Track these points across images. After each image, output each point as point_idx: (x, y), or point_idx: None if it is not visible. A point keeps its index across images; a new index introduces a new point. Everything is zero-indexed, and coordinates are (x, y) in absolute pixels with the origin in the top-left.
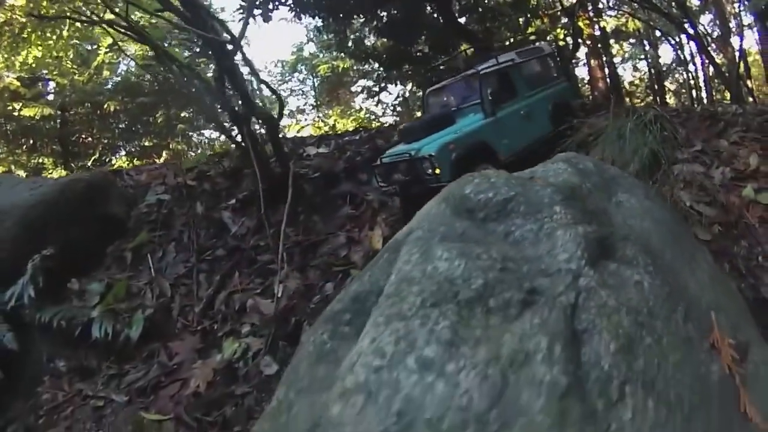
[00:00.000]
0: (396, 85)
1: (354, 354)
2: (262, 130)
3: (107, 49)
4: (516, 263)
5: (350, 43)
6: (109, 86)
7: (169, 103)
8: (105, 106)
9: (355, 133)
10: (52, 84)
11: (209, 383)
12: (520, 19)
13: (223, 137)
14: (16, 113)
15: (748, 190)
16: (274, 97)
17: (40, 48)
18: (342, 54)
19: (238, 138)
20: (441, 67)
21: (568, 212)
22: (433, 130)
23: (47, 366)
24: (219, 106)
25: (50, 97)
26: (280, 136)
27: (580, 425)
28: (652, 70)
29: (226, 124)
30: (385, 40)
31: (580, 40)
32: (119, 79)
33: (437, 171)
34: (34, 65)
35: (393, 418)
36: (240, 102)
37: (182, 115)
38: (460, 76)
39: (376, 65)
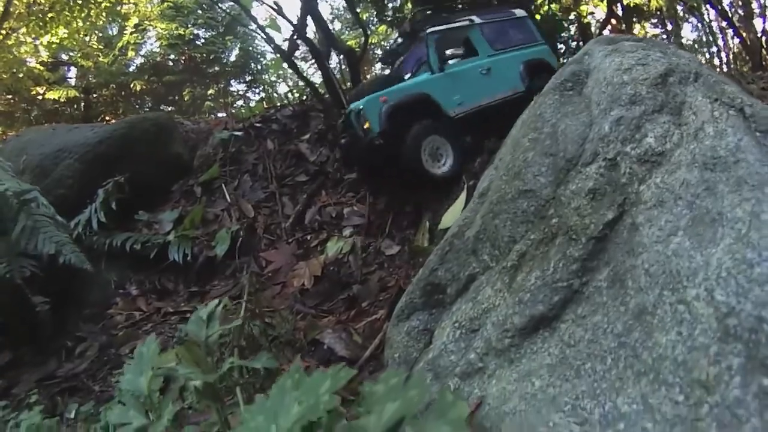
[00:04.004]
0: None
1: None
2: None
3: (133, 29)
4: None
5: None
6: (133, 67)
7: (195, 82)
8: (131, 85)
9: None
10: (73, 70)
11: (316, 278)
12: None
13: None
14: (40, 97)
15: None
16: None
17: (66, 31)
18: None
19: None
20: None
21: None
22: (379, 90)
23: (116, 291)
24: (299, 42)
25: (72, 81)
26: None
27: None
28: None
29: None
30: None
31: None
32: (143, 59)
33: (366, 125)
34: (59, 46)
35: None
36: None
37: (209, 92)
38: (417, 40)
39: None
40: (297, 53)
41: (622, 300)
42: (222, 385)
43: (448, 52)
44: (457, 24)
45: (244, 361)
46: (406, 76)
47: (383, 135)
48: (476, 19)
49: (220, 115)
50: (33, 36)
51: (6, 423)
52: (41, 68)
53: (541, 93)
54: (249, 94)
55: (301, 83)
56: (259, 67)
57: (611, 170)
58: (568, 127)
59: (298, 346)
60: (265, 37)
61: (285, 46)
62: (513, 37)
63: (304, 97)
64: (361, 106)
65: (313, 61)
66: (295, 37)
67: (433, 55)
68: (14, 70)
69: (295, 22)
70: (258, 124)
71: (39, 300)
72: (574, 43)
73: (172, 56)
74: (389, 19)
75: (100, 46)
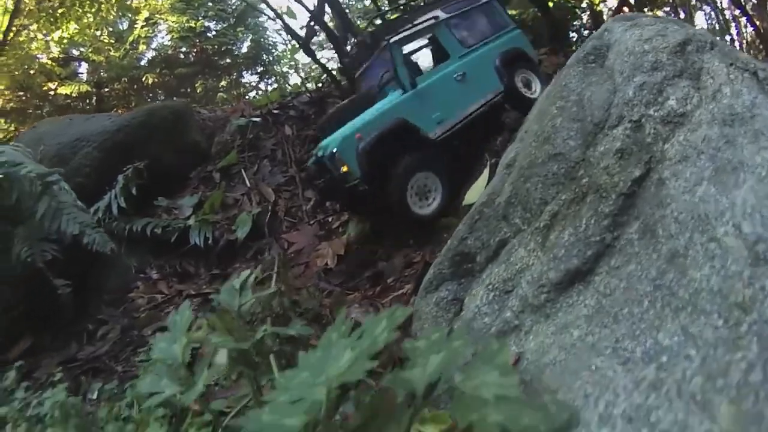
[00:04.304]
0: None
1: None
2: None
3: (143, 23)
4: None
5: None
6: (145, 60)
7: (207, 74)
8: (143, 79)
9: None
10: (84, 65)
11: (339, 257)
12: None
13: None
14: (51, 93)
15: None
16: None
17: (77, 26)
18: None
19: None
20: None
21: None
22: (350, 118)
23: (136, 275)
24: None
25: (83, 77)
26: None
27: None
28: None
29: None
30: None
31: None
32: (154, 52)
33: (345, 168)
34: (69, 41)
35: None
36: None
37: (221, 84)
38: (381, 49)
39: None
40: (312, 40)
41: (654, 248)
42: (255, 354)
43: (402, 60)
44: (421, 25)
45: (278, 328)
46: (374, 93)
47: (366, 178)
48: (441, 14)
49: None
50: (44, 32)
51: (28, 405)
52: (52, 64)
53: (565, 66)
54: (261, 86)
55: (316, 71)
56: (271, 58)
57: (636, 131)
58: (593, 94)
59: (324, 322)
60: (282, 23)
61: (301, 33)
62: (483, 27)
63: (321, 84)
64: (335, 149)
65: (331, 47)
66: (312, 23)
67: (402, 70)
68: (26, 67)
69: (312, 9)
70: (275, 111)
71: (60, 283)
72: (587, 32)
73: (183, 49)
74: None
75: (111, 41)
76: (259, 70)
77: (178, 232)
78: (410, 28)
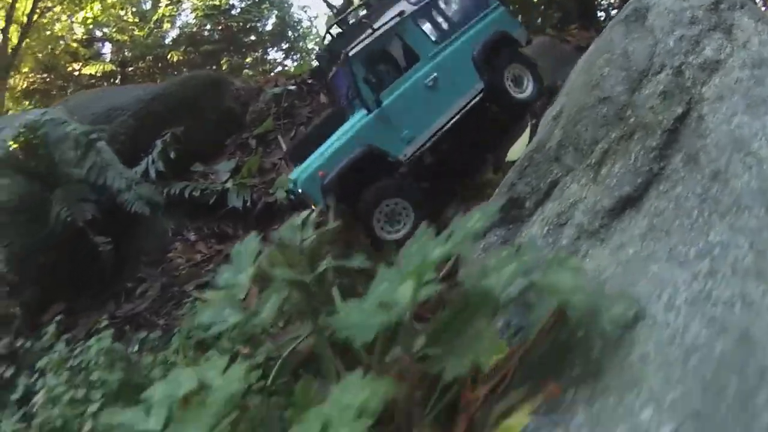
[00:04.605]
0: None
1: None
2: None
3: (167, 2)
4: None
5: None
6: (169, 39)
7: (232, 51)
8: (168, 57)
9: None
10: (108, 45)
11: None
12: None
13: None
14: (76, 73)
15: None
16: None
17: (100, 6)
18: None
19: None
20: None
21: None
22: (320, 143)
23: (174, 237)
24: None
25: (107, 57)
26: None
27: None
28: None
29: None
30: None
31: None
32: (179, 31)
33: (314, 206)
34: (93, 22)
35: None
36: None
37: (246, 61)
38: (342, 61)
39: None
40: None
41: (697, 171)
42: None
43: (363, 74)
44: (383, 28)
45: (339, 261)
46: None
47: (335, 212)
48: (406, 8)
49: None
50: (68, 13)
51: (70, 356)
52: (77, 45)
53: (607, 27)
54: (287, 62)
55: None
56: (297, 35)
57: (677, 76)
58: (637, 48)
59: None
60: None
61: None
62: (459, 13)
63: None
64: (300, 189)
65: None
66: None
67: (364, 88)
68: (50, 48)
69: None
70: (309, 81)
71: (101, 240)
72: (615, 11)
73: (208, 26)
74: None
75: (135, 20)
76: (284, 47)
77: (216, 195)
78: (371, 35)
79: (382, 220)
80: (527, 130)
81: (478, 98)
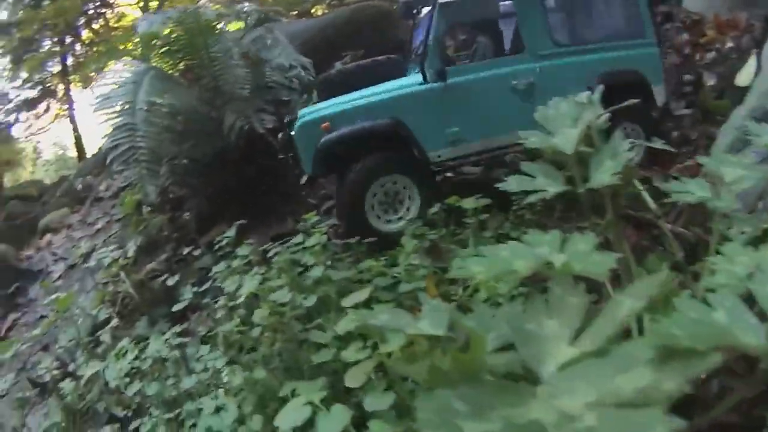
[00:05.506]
0: None
1: None
2: None
3: None
4: None
5: None
6: None
7: None
8: None
9: None
10: None
11: None
12: None
13: None
14: None
15: None
16: None
17: None
18: None
19: None
20: None
21: None
22: (357, 87)
23: None
24: None
25: None
26: None
27: None
28: None
29: None
30: None
31: None
32: None
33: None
34: None
35: None
36: None
37: None
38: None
39: None
40: None
41: None
42: None
43: (441, 34)
44: None
45: None
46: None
47: (314, 176)
48: None
49: None
50: None
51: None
52: None
53: None
54: None
55: None
56: None
57: None
58: None
59: None
60: None
61: None
62: (603, 24)
63: None
64: (293, 131)
65: None
66: None
67: (435, 47)
68: None
69: None
70: None
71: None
72: None
73: None
74: None
75: None
76: None
77: None
78: None
79: (375, 205)
80: (752, 58)
81: None
